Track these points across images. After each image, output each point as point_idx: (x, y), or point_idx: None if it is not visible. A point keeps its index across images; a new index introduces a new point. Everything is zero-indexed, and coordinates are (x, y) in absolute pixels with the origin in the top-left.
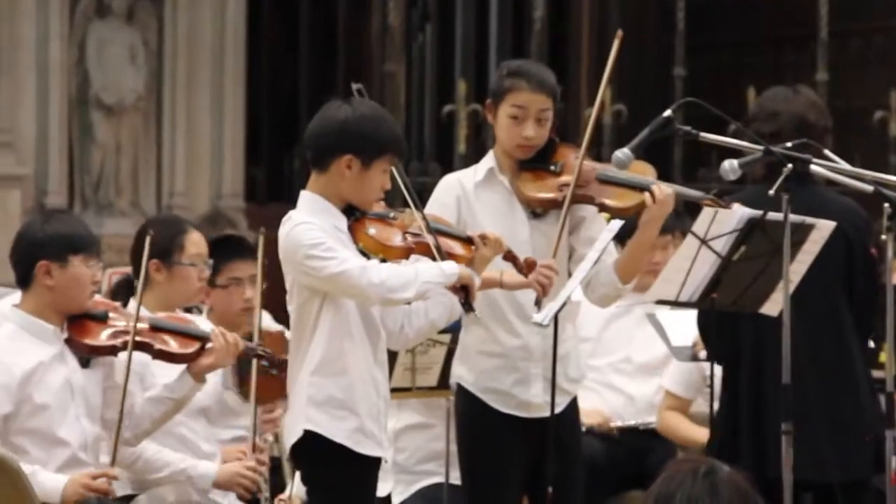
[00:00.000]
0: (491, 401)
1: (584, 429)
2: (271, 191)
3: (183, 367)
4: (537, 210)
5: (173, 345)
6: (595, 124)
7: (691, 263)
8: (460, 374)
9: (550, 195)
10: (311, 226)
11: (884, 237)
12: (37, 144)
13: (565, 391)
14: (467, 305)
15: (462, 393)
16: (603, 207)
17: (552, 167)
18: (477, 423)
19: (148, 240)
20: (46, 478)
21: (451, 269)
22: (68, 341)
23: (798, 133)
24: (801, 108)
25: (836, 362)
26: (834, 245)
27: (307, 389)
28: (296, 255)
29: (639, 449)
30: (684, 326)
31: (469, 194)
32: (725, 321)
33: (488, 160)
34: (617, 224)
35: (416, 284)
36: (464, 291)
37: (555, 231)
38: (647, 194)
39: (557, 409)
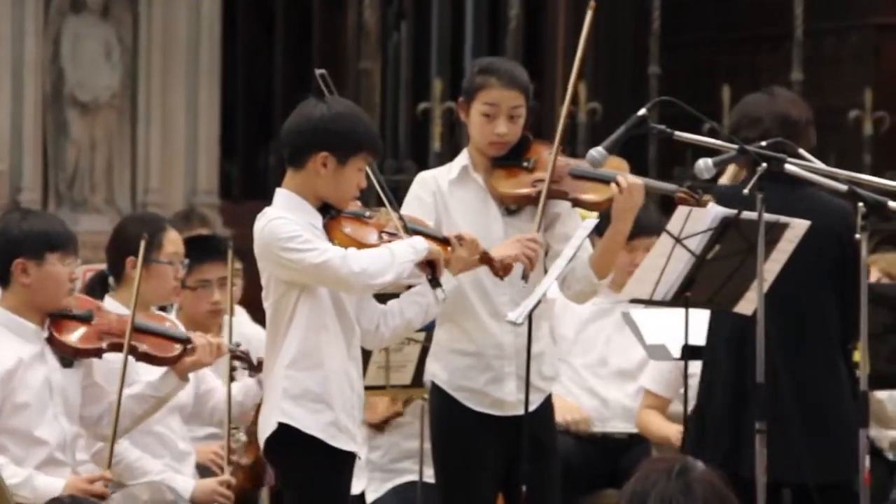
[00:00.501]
0: (464, 399)
1: (559, 427)
2: (246, 188)
3: (138, 382)
4: (511, 207)
5: (157, 348)
6: (567, 115)
7: (665, 262)
8: (434, 371)
9: (524, 191)
10: (286, 220)
11: (858, 236)
12: (11, 141)
13: (539, 389)
14: (434, 281)
15: (436, 391)
16: (577, 202)
17: (525, 164)
18: (450, 421)
19: (143, 245)
20: (43, 482)
21: (420, 244)
22: (51, 341)
23: (783, 131)
24: (782, 107)
25: (821, 363)
26: (826, 246)
27: (282, 382)
28: (272, 249)
29: (613, 448)
30: (659, 325)
31: (444, 192)
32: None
33: (462, 158)
34: (592, 221)
35: (395, 266)
36: (431, 268)
37: (529, 227)
38: (613, 185)
39: (532, 407)
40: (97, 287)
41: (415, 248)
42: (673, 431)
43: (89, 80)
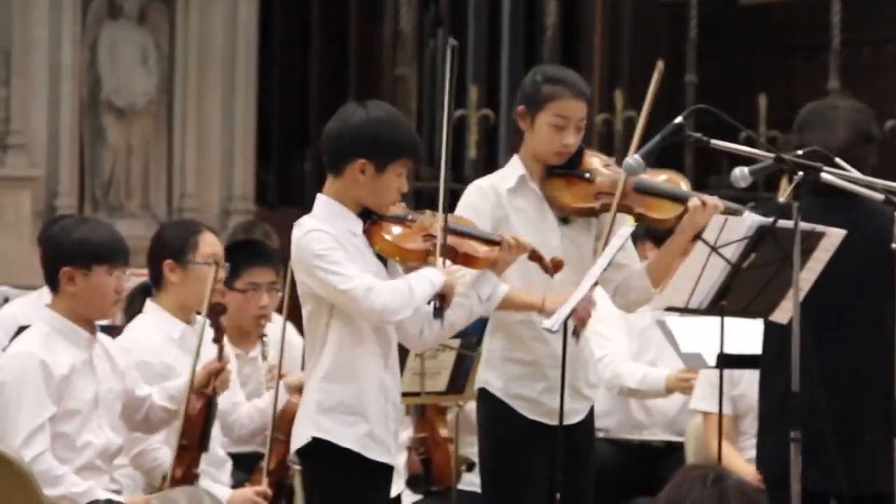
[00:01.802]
0: (519, 407)
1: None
2: (282, 194)
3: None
4: (567, 217)
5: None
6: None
7: (701, 270)
8: (487, 379)
9: (588, 205)
10: (320, 234)
11: (894, 246)
12: (48, 146)
13: (586, 398)
14: (439, 312)
15: (488, 399)
16: (642, 218)
17: (586, 175)
18: (504, 429)
19: (216, 273)
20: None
21: (437, 278)
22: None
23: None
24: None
25: (880, 378)
26: (884, 258)
27: (316, 395)
28: (305, 262)
29: (649, 456)
30: (694, 333)
31: (503, 201)
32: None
33: (516, 167)
34: (628, 229)
35: (413, 302)
36: (441, 299)
37: (584, 238)
38: (692, 201)
39: (578, 417)
40: (138, 297)
41: (432, 282)
42: (751, 473)
43: (126, 86)
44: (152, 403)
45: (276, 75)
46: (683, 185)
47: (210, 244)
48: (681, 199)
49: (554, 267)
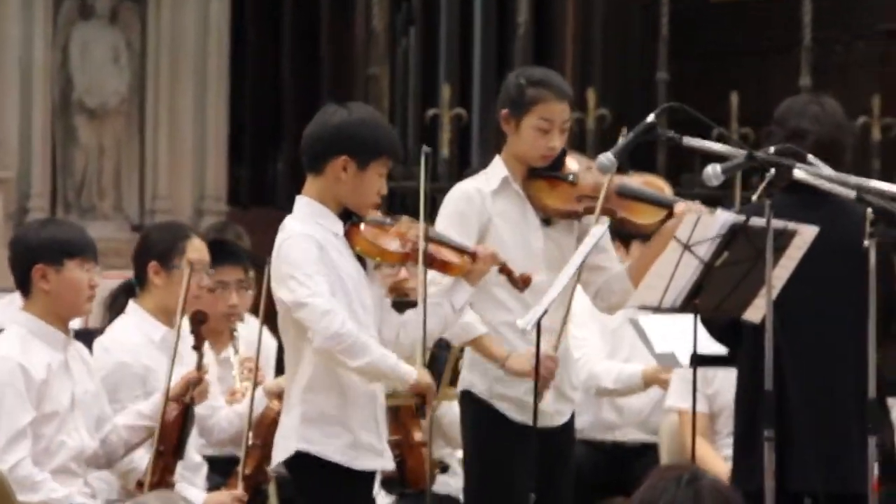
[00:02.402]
0: (504, 409)
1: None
2: (254, 194)
3: (158, 390)
4: (550, 218)
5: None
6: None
7: (674, 269)
8: (471, 381)
9: (571, 207)
10: (302, 239)
11: (866, 243)
12: (20, 148)
13: (569, 399)
14: (421, 411)
15: (472, 400)
16: (623, 222)
17: (569, 177)
18: (490, 430)
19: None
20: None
21: (409, 375)
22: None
23: (822, 153)
24: (831, 130)
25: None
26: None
27: (300, 407)
28: (279, 267)
29: (623, 456)
30: (667, 332)
31: (486, 203)
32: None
33: (499, 168)
34: (600, 230)
35: (364, 359)
36: (421, 399)
37: (567, 240)
38: (679, 206)
39: (562, 419)
40: (122, 296)
41: (401, 374)
42: (725, 470)
43: (97, 86)
44: (114, 426)
45: (248, 75)
46: (666, 190)
47: (197, 250)
48: (663, 205)
49: (523, 282)
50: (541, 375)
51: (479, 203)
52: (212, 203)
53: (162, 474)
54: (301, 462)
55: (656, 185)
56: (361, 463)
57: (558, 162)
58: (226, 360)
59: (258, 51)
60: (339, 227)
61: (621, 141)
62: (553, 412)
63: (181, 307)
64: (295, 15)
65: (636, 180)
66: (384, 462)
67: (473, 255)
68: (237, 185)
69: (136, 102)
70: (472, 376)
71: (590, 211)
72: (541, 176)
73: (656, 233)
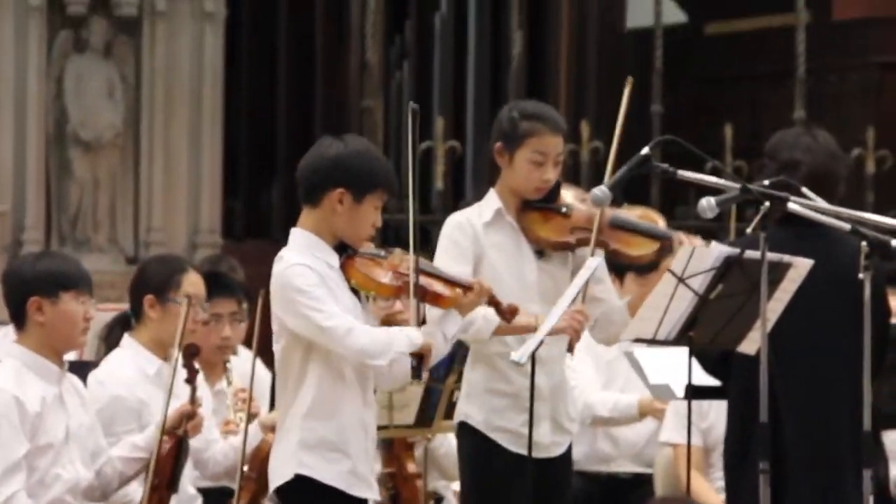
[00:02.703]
0: (501, 440)
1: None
2: (249, 227)
3: (153, 423)
4: (543, 251)
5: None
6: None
7: (668, 301)
8: (468, 412)
9: (564, 239)
10: (303, 269)
11: (861, 276)
12: (14, 180)
13: (566, 431)
14: (417, 371)
15: (469, 432)
16: (616, 254)
17: (563, 209)
18: (487, 462)
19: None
20: None
21: (417, 338)
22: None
23: (817, 185)
24: (823, 161)
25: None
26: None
27: (299, 433)
28: (285, 297)
29: (617, 488)
30: (662, 364)
31: (479, 235)
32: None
33: (493, 201)
34: (595, 261)
35: (390, 353)
36: (419, 359)
37: (561, 272)
38: (678, 238)
39: (559, 451)
40: (118, 328)
41: (411, 339)
42: (719, 503)
43: (92, 119)
44: (109, 458)
45: (242, 107)
46: (660, 223)
47: (193, 284)
48: (656, 237)
49: (510, 313)
50: (572, 329)
51: (472, 234)
52: (206, 235)
53: None
54: (299, 487)
55: (650, 217)
56: (358, 491)
57: (552, 194)
58: (220, 392)
59: (252, 84)
60: (334, 259)
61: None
62: (550, 443)
63: (178, 342)
64: (289, 48)
65: (631, 213)
66: (374, 494)
67: (468, 288)
68: (232, 217)
69: (131, 135)
70: (469, 408)
71: (583, 243)
72: (534, 208)
73: (661, 267)
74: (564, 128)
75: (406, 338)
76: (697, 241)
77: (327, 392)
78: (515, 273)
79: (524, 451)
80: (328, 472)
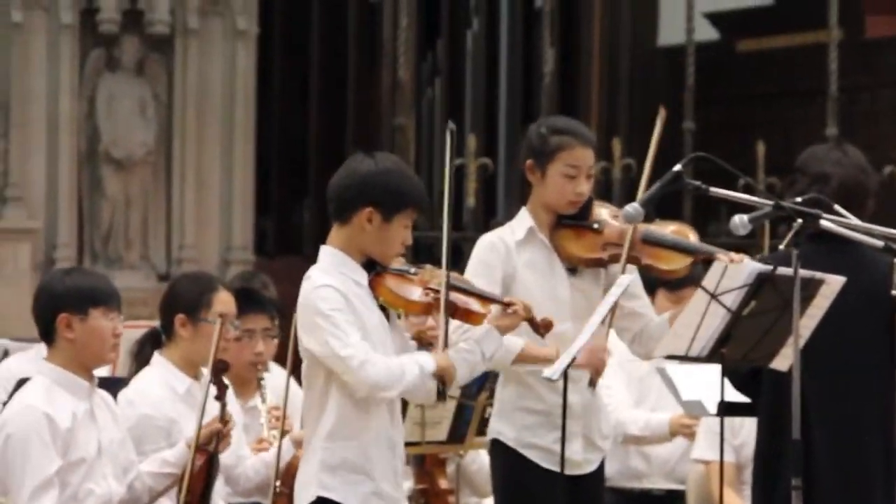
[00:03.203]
0: (533, 456)
1: None
2: (281, 243)
3: (182, 439)
4: (576, 267)
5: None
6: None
7: (701, 318)
8: (499, 429)
9: (596, 255)
10: (330, 291)
11: (894, 292)
12: (47, 198)
13: (598, 448)
14: (441, 394)
15: (501, 449)
16: (649, 269)
17: (594, 225)
18: (519, 479)
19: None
20: None
21: (428, 365)
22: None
23: (847, 198)
24: (854, 173)
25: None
26: (884, 304)
27: (320, 454)
28: (308, 319)
29: None
30: (695, 381)
31: (512, 254)
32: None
33: (525, 219)
34: (627, 278)
35: (401, 386)
36: (441, 381)
37: (593, 289)
38: (720, 257)
39: (591, 468)
40: (149, 344)
41: (422, 367)
42: None
43: (124, 137)
44: (139, 473)
45: (274, 125)
46: (692, 237)
47: (224, 303)
48: (689, 251)
49: (544, 327)
50: (593, 368)
51: (504, 253)
52: (238, 252)
53: None
54: None
55: (683, 232)
56: None
57: (584, 211)
58: (253, 409)
59: (284, 101)
60: (363, 277)
61: (649, 191)
62: (582, 460)
63: (212, 362)
64: (321, 65)
65: (665, 228)
66: None
67: (507, 305)
68: (263, 234)
69: (163, 153)
70: (501, 425)
71: (615, 259)
72: (566, 225)
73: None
74: (594, 141)
75: (417, 367)
76: (738, 257)
77: (350, 412)
78: (548, 291)
79: (556, 468)
80: (350, 494)
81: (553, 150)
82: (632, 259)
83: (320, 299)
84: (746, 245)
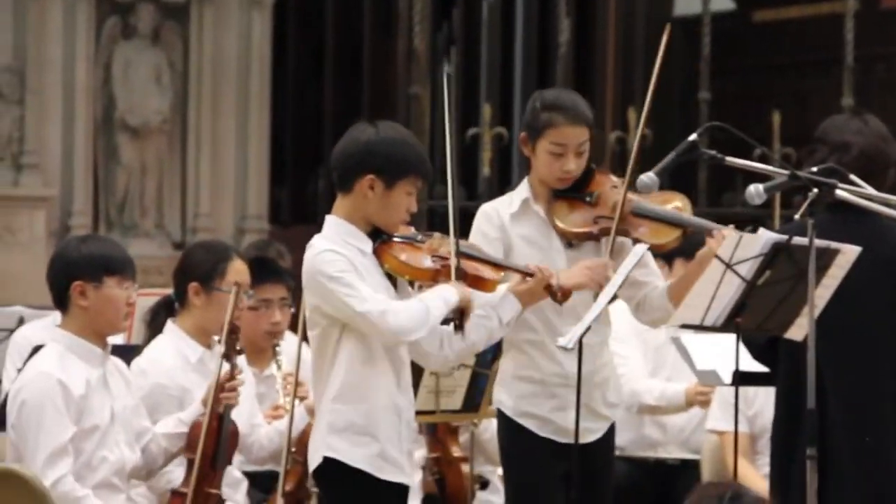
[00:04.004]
0: (530, 425)
1: None
2: (295, 212)
3: (198, 398)
4: (572, 240)
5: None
6: (637, 154)
7: (716, 288)
8: (500, 399)
9: (585, 229)
10: (333, 254)
11: None
12: (62, 166)
13: (604, 417)
14: (460, 327)
15: (502, 418)
16: (639, 242)
17: (587, 198)
18: (518, 447)
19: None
20: None
21: (451, 296)
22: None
23: (868, 166)
24: (874, 141)
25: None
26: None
27: (327, 416)
28: (318, 283)
29: (664, 473)
30: (710, 350)
31: (505, 225)
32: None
33: (523, 190)
34: (642, 248)
35: (430, 322)
36: (459, 313)
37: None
38: (714, 234)
39: (595, 436)
40: (162, 311)
41: (446, 299)
42: (766, 489)
43: (140, 105)
44: (154, 435)
45: (289, 93)
46: (687, 209)
47: (238, 272)
48: (679, 224)
49: (563, 295)
50: (597, 283)
51: (498, 223)
52: (253, 222)
53: (199, 483)
54: (328, 470)
55: (676, 201)
56: (388, 474)
57: (582, 182)
58: (269, 378)
59: (299, 70)
60: (367, 245)
61: (663, 160)
62: (582, 429)
63: (226, 331)
64: (336, 34)
65: (655, 199)
66: (406, 478)
67: (528, 274)
68: (278, 203)
69: (178, 121)
70: (501, 394)
71: (605, 232)
72: (563, 197)
73: (697, 258)
74: (587, 117)
75: (441, 300)
76: (726, 231)
77: (357, 376)
78: (544, 263)
79: (553, 437)
80: (355, 455)
81: (542, 126)
82: (622, 232)
83: (325, 263)
84: (762, 215)
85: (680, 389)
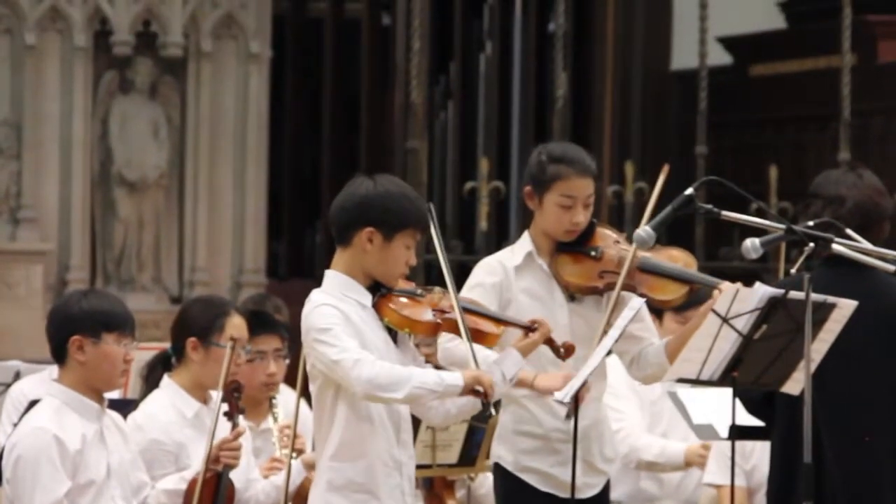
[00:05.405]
0: (531, 480)
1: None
2: (293, 266)
3: (192, 466)
4: (575, 294)
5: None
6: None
7: (712, 341)
8: (499, 454)
9: (592, 283)
10: (327, 308)
11: None
12: (59, 220)
13: (600, 472)
14: (486, 408)
15: (501, 473)
16: (645, 298)
17: (592, 252)
18: (518, 501)
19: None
20: None
21: (453, 380)
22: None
23: (862, 219)
24: (869, 194)
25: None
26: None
27: (326, 474)
28: (308, 337)
29: None
30: (706, 404)
31: (510, 277)
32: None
33: (525, 243)
34: (639, 301)
35: (408, 387)
36: (477, 394)
37: (593, 315)
38: (723, 286)
39: (594, 491)
40: (159, 366)
41: (444, 380)
42: None
43: (137, 159)
44: (155, 491)
45: (286, 148)
46: (693, 266)
47: (236, 328)
48: (686, 281)
49: (566, 351)
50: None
51: (502, 276)
52: (250, 275)
53: None
54: None
55: (681, 259)
56: None
57: (586, 235)
58: (265, 431)
59: (297, 124)
60: (367, 298)
61: (660, 214)
62: (581, 485)
63: (222, 386)
64: (333, 89)
65: (661, 255)
66: None
67: (529, 329)
68: (276, 257)
69: (176, 176)
70: (500, 449)
71: (611, 287)
72: (566, 251)
73: (698, 313)
74: (593, 169)
75: (436, 376)
76: (727, 285)
77: (354, 432)
78: (547, 317)
79: (555, 492)
80: None
81: (550, 179)
82: (628, 287)
83: (317, 316)
84: (758, 269)
85: (680, 449)
